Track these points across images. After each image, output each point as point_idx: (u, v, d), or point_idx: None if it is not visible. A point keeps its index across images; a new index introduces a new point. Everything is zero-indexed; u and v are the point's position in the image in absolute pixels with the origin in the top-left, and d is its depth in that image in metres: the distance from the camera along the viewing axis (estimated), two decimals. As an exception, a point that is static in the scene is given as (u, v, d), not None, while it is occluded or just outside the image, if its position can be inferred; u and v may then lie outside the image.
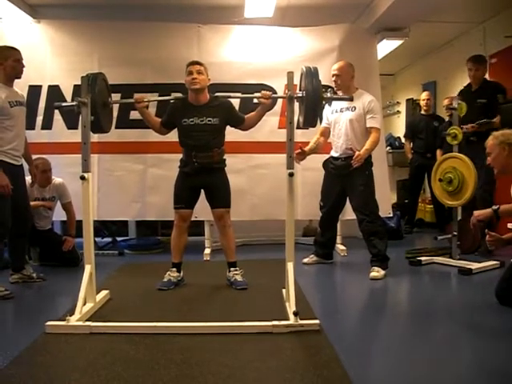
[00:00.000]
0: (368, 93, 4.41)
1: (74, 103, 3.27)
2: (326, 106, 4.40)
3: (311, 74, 3.17)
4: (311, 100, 3.14)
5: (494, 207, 3.34)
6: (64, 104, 3.54)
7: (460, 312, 3.39)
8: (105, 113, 3.54)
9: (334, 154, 4.43)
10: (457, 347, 2.75)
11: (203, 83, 3.80)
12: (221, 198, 3.91)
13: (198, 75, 3.78)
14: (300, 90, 3.29)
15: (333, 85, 4.38)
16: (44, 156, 4.65)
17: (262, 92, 3.76)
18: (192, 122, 3.81)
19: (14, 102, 3.80)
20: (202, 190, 3.94)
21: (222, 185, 3.92)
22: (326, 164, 4.49)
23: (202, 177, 3.85)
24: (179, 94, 4.98)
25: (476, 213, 3.48)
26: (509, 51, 5.47)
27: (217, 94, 3.98)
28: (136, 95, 3.86)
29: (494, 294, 3.36)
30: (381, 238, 4.24)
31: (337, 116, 4.36)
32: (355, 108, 4.27)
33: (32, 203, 4.34)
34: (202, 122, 3.80)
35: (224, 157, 3.95)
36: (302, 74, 3.33)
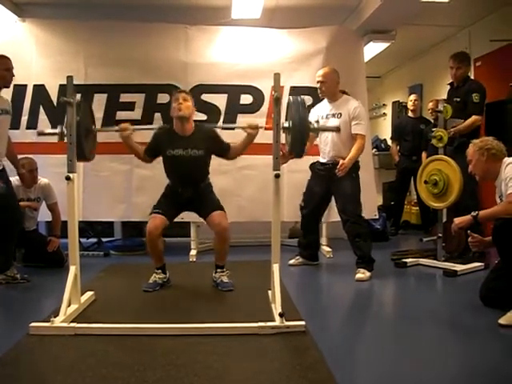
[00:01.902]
0: (353, 98, 4.43)
1: (58, 130, 3.22)
2: (312, 110, 4.39)
3: (298, 104, 3.14)
4: (298, 131, 3.11)
5: (474, 213, 3.35)
6: (47, 131, 3.48)
7: (445, 313, 3.42)
8: (88, 140, 3.46)
9: (321, 159, 4.44)
10: (442, 348, 2.76)
11: (188, 111, 3.78)
12: (214, 202, 3.90)
13: (184, 101, 3.76)
14: (286, 120, 3.23)
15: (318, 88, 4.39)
16: (29, 156, 4.61)
17: (249, 123, 3.77)
18: (177, 152, 3.79)
19: (0, 110, 3.79)
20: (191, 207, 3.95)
21: (210, 195, 3.94)
22: (312, 166, 4.50)
23: (189, 197, 3.87)
24: (166, 95, 5.01)
25: (456, 220, 3.50)
26: (494, 55, 5.53)
27: (203, 124, 3.98)
28: (121, 124, 3.80)
29: (478, 295, 3.38)
30: (365, 240, 4.26)
31: (323, 122, 4.34)
32: (341, 115, 4.28)
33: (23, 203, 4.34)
34: (187, 154, 3.78)
35: (209, 181, 3.97)
36: (288, 104, 3.31)
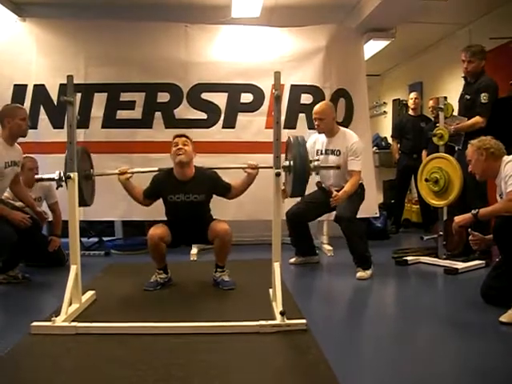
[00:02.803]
0: (350, 131, 4.44)
1: (56, 177, 3.24)
2: (309, 141, 4.32)
3: (298, 144, 3.14)
4: (299, 170, 3.11)
5: (474, 211, 3.35)
6: (45, 176, 3.48)
7: (446, 311, 3.42)
8: (87, 186, 3.49)
9: (323, 185, 4.46)
10: (443, 346, 2.76)
11: (188, 155, 3.77)
12: (209, 221, 3.89)
13: (184, 146, 3.75)
14: (286, 160, 3.24)
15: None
16: (30, 155, 4.61)
17: (248, 162, 3.79)
18: (178, 198, 3.79)
19: (10, 162, 3.86)
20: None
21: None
22: (320, 185, 4.49)
23: (190, 234, 3.92)
24: (166, 94, 5.01)
25: (457, 219, 3.50)
26: (494, 53, 5.51)
27: (203, 167, 3.93)
28: (120, 168, 3.82)
29: (479, 293, 3.39)
30: (359, 239, 4.24)
31: (322, 159, 4.28)
32: (339, 152, 4.32)
33: (19, 204, 4.33)
34: (188, 199, 3.79)
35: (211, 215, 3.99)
36: (288, 144, 3.30)
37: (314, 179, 4.42)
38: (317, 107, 4.42)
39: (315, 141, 4.49)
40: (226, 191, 3.92)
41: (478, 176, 3.55)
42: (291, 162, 3.14)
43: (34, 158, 4.58)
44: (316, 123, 4.39)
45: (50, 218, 4.76)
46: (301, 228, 4.62)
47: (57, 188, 3.32)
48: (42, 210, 4.38)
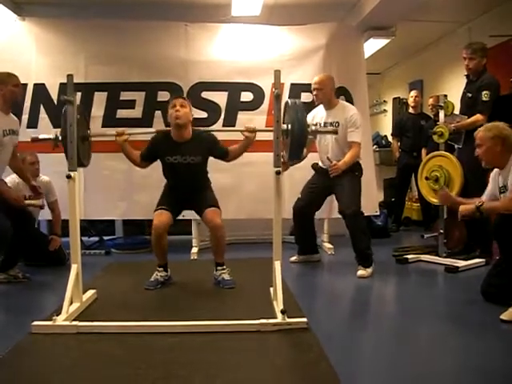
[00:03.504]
0: (349, 104, 4.43)
1: (52, 136, 3.24)
2: (309, 116, 4.33)
3: (296, 107, 3.14)
4: (297, 134, 3.10)
5: (478, 203, 3.28)
6: (41, 137, 3.47)
7: (446, 309, 3.43)
8: (84, 147, 3.47)
9: (321, 164, 4.45)
10: (443, 344, 2.77)
11: (186, 117, 3.77)
12: (208, 199, 3.90)
13: (181, 108, 3.74)
14: (284, 123, 3.22)
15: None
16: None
17: (246, 126, 3.78)
18: (175, 160, 3.80)
19: (8, 130, 3.84)
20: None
21: (207, 192, 3.95)
22: (315, 166, 4.48)
23: (188, 196, 3.89)
24: (166, 93, 5.00)
25: (461, 208, 3.41)
26: (494, 51, 5.51)
27: (199, 128, 3.95)
28: (117, 129, 3.82)
29: (479, 291, 3.38)
30: (362, 235, 4.24)
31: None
32: (338, 124, 4.28)
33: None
34: (185, 161, 3.80)
35: (207, 176, 4.00)
36: (285, 107, 3.30)
37: (309, 162, 4.45)
38: (316, 78, 4.41)
39: (314, 115, 4.45)
40: (223, 154, 3.92)
41: (485, 163, 3.42)
42: (289, 126, 3.14)
43: (34, 152, 4.56)
44: (314, 93, 4.36)
45: (50, 217, 4.77)
46: (307, 222, 4.62)
47: (53, 148, 3.29)
48: (37, 185, 4.35)
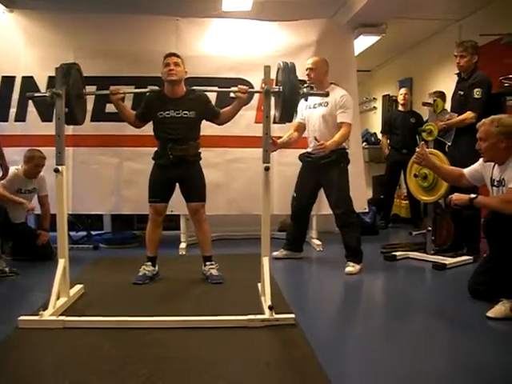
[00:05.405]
0: (341, 87, 4.42)
1: (47, 94, 3.21)
2: (302, 101, 4.38)
3: (288, 69, 3.17)
4: (288, 95, 3.13)
5: (472, 196, 3.19)
6: (37, 94, 3.46)
7: (434, 306, 3.44)
8: (79, 105, 3.49)
9: (309, 149, 4.43)
10: (431, 341, 2.78)
11: (180, 75, 3.78)
12: (196, 191, 3.89)
13: (175, 67, 3.75)
14: (276, 85, 3.27)
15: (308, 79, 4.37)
16: (18, 148, 4.58)
17: (239, 87, 3.76)
18: (168, 114, 3.78)
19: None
20: (177, 184, 3.92)
21: (197, 179, 3.90)
22: (302, 156, 4.49)
23: (177, 170, 3.82)
24: (156, 88, 4.97)
25: (455, 196, 3.31)
26: (484, 49, 5.53)
27: (193, 87, 3.95)
28: (112, 87, 3.82)
29: (467, 288, 3.41)
30: (353, 232, 4.27)
31: (310, 112, 4.39)
32: (328, 104, 4.28)
33: (12, 197, 4.31)
34: (178, 115, 3.78)
35: (199, 150, 3.93)
36: (278, 69, 3.31)
37: (297, 154, 4.47)
38: (310, 59, 4.44)
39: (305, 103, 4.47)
40: (215, 114, 3.92)
41: (486, 158, 3.30)
42: (280, 88, 3.17)
43: (43, 155, 4.53)
44: (307, 73, 4.35)
45: (38, 212, 4.74)
46: (305, 220, 4.67)
47: (50, 106, 3.27)
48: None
